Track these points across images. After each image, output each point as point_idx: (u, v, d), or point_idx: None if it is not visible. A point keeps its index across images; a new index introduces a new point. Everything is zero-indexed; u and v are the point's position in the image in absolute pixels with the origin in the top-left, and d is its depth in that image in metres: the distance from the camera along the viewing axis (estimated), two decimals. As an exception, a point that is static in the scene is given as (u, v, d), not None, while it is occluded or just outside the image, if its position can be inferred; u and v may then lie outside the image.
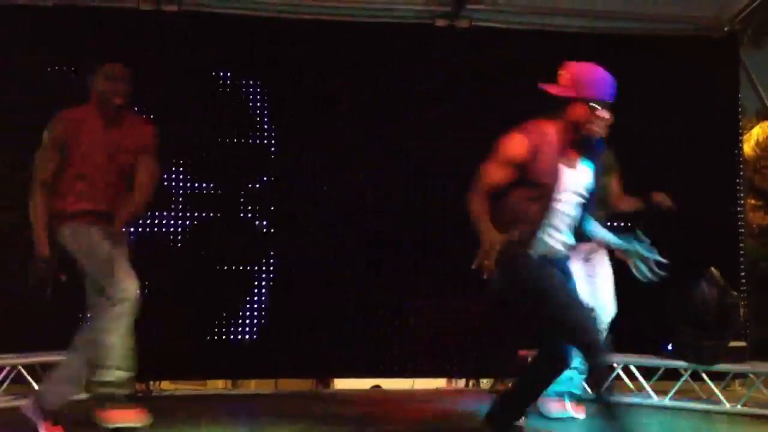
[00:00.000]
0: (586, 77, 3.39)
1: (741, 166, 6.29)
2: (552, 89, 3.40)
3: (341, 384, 6.74)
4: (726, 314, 5.14)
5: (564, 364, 3.48)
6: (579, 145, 3.41)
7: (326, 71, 5.94)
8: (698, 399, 5.30)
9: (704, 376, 5.21)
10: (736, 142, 6.30)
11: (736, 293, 5.41)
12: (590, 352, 3.25)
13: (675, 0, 5.96)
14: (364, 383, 6.55)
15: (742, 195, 6.21)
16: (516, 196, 3.38)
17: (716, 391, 5.15)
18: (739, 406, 5.03)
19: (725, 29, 6.18)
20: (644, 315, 5.48)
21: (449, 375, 6.38)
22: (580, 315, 3.34)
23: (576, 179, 3.42)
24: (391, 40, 6.00)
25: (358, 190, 5.99)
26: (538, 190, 3.36)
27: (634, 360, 5.36)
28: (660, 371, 5.35)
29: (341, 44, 5.97)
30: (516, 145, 3.38)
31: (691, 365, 5.16)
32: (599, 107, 3.34)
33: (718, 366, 5.13)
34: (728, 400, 5.09)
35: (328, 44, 5.95)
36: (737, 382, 5.74)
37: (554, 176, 3.37)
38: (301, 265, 5.89)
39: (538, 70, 5.91)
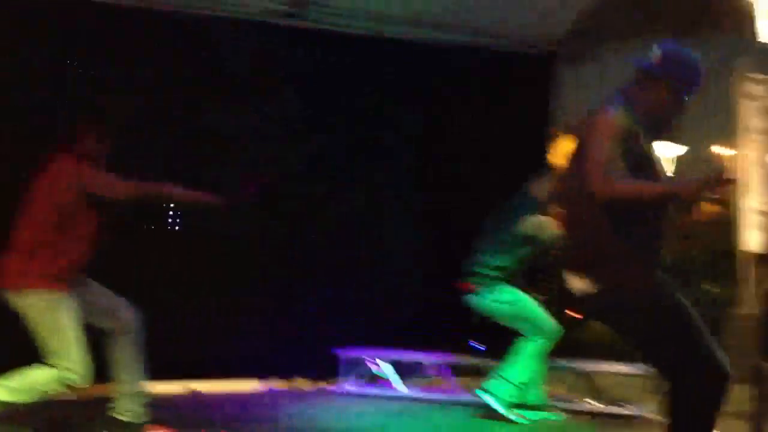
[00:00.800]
0: (676, 57, 3.08)
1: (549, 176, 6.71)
2: (642, 63, 3.06)
3: (151, 387, 6.53)
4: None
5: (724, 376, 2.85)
6: (653, 130, 3.05)
7: (157, 63, 5.80)
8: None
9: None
10: (543, 153, 6.73)
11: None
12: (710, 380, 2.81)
13: (497, 15, 6.24)
14: (177, 386, 6.40)
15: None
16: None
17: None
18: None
19: (541, 48, 6.57)
20: (450, 313, 5.76)
21: (265, 376, 6.36)
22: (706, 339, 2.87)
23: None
24: (233, 36, 5.96)
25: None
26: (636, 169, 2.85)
27: (443, 359, 5.57)
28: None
29: (176, 36, 5.82)
30: (611, 121, 2.90)
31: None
32: (683, 91, 3.05)
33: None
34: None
35: (155, 34, 5.81)
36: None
37: (649, 156, 2.96)
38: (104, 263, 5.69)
39: (371, 74, 6.16)
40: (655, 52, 3.04)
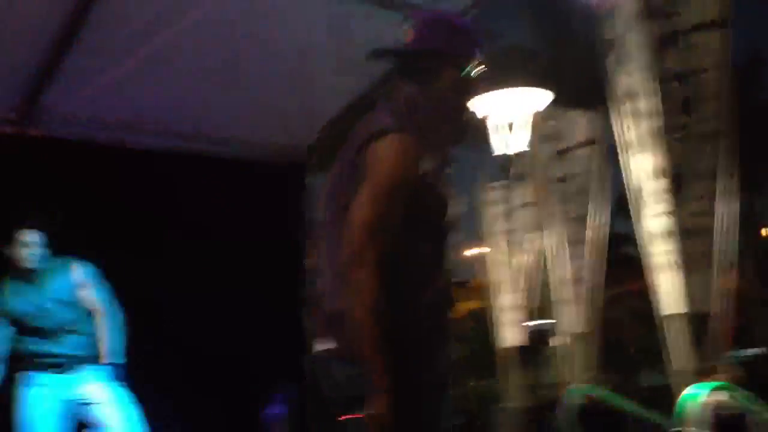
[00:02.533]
0: (449, 25, 2.11)
1: (306, 279, 6.68)
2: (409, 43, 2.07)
3: None
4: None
5: None
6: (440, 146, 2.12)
7: None
8: None
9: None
10: (300, 259, 6.71)
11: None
12: None
13: (247, 125, 6.21)
14: None
15: (306, 306, 6.59)
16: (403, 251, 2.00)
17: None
18: None
19: (292, 158, 6.61)
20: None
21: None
22: None
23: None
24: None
25: None
26: (432, 228, 2.07)
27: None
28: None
29: None
30: (410, 151, 1.99)
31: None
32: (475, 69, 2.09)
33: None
34: None
35: None
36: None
37: (447, 202, 2.10)
38: None
39: (114, 184, 5.80)
40: (409, 28, 2.08)
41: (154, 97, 5.57)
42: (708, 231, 6.07)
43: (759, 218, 17.05)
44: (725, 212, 6.15)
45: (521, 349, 6.37)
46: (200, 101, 5.69)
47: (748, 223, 16.91)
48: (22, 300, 4.34)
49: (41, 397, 4.27)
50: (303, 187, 6.70)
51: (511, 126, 6.01)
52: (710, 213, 6.10)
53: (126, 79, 5.18)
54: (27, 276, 4.39)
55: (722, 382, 3.95)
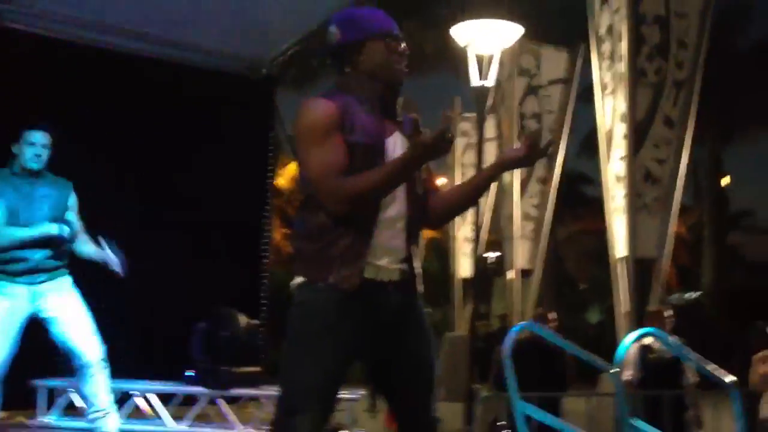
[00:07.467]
0: (364, 14, 2.59)
1: (269, 197, 6.63)
2: (333, 42, 2.54)
3: None
4: (243, 343, 5.35)
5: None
6: (387, 104, 2.52)
7: None
8: (214, 423, 5.39)
9: (220, 400, 5.30)
10: (266, 176, 6.64)
11: (256, 321, 5.67)
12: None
13: (219, 35, 6.05)
14: None
15: (269, 224, 6.55)
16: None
17: (229, 414, 5.26)
18: (250, 429, 5.21)
19: (263, 71, 6.48)
20: (160, 342, 5.56)
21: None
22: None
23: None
24: None
25: None
26: (364, 163, 2.37)
27: (152, 387, 5.27)
28: (178, 397, 5.33)
29: None
30: (323, 108, 2.40)
31: (208, 391, 5.22)
32: (395, 40, 2.54)
33: (232, 391, 5.26)
34: (241, 422, 5.24)
35: None
36: (251, 404, 5.95)
37: (379, 142, 2.43)
38: None
39: (78, 83, 5.62)
40: (333, 30, 2.54)
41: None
42: (666, 177, 6.13)
43: (721, 167, 17.12)
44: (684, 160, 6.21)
45: (474, 281, 6.48)
46: (170, 6, 5.53)
47: (709, 171, 17.00)
48: (17, 194, 4.29)
49: (9, 310, 4.21)
50: (271, 102, 6.58)
51: (490, 58, 5.88)
52: (670, 160, 6.15)
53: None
54: (27, 177, 4.35)
55: (652, 328, 4.04)
